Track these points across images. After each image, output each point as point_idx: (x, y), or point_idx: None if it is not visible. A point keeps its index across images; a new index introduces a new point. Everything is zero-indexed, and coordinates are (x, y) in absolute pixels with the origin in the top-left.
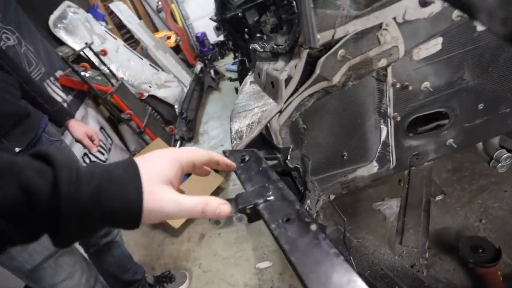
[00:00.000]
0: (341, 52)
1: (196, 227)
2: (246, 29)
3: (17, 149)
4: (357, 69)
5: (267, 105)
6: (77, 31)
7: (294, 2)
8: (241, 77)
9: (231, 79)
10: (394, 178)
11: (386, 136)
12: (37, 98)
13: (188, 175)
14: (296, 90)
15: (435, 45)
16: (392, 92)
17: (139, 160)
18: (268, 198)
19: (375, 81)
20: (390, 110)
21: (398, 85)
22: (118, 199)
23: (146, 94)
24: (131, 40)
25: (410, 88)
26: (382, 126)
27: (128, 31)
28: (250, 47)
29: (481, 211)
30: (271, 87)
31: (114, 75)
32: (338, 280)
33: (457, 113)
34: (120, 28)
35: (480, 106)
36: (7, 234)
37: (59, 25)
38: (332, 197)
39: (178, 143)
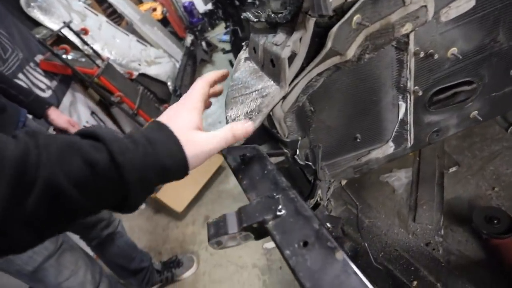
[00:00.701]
0: (356, 18)
1: (199, 209)
2: None
3: None
4: (375, 38)
5: (267, 89)
6: (53, 9)
7: None
8: (234, 48)
9: (224, 51)
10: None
11: (405, 113)
12: (8, 89)
13: None
14: (302, 69)
15: (468, 1)
16: (414, 62)
17: (163, 119)
18: (279, 213)
19: (394, 51)
20: (410, 84)
21: (422, 54)
22: (165, 157)
23: (136, 73)
24: (114, 15)
25: (436, 56)
26: (400, 102)
27: (110, 5)
28: (242, 17)
29: (493, 179)
30: (270, 66)
31: (99, 55)
32: None
33: (485, 81)
34: (101, 3)
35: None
36: (79, 204)
37: (32, 3)
38: (343, 182)
39: None
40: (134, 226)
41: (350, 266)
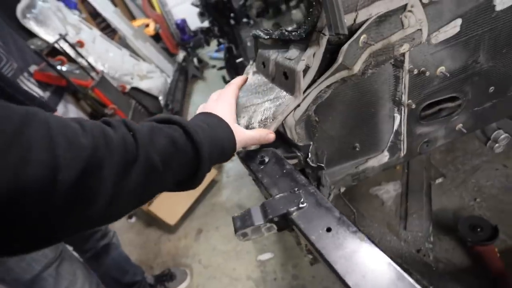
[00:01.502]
0: (363, 37)
1: (192, 223)
2: (232, 14)
3: None
4: (378, 55)
5: (281, 98)
6: (49, 21)
7: None
8: (228, 65)
9: (219, 68)
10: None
11: (399, 124)
12: (15, 94)
13: None
14: (314, 81)
15: (454, 27)
16: (408, 78)
17: (209, 109)
18: (301, 206)
19: (391, 67)
20: (405, 98)
21: (415, 71)
22: (224, 139)
23: (128, 87)
24: (107, 30)
25: (427, 73)
26: (395, 114)
27: (104, 19)
28: (251, 34)
29: (475, 190)
30: (283, 78)
31: (93, 68)
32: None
33: (469, 97)
34: (95, 17)
35: (491, 89)
36: (164, 176)
37: (28, 15)
38: (342, 189)
39: None
40: (125, 240)
41: (371, 245)
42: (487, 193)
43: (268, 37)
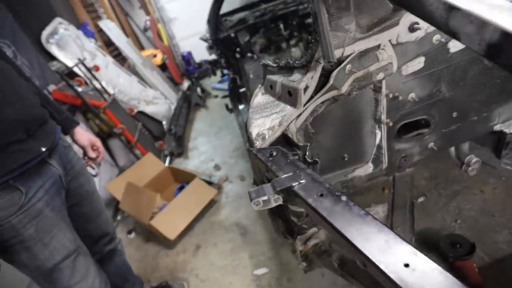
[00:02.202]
0: (348, 66)
1: (191, 239)
2: (238, 49)
3: (43, 149)
4: (360, 81)
5: (284, 111)
6: (68, 47)
7: (313, 25)
8: (232, 94)
9: (223, 96)
10: (379, 186)
11: (380, 139)
12: (46, 106)
13: (181, 188)
14: (311, 97)
15: (419, 63)
16: (386, 101)
17: None
18: (301, 181)
19: (372, 92)
20: (383, 117)
21: (390, 96)
22: None
23: (135, 110)
24: (119, 57)
25: (400, 98)
26: (377, 131)
27: (116, 48)
28: (261, 63)
29: (456, 213)
30: (288, 95)
31: (106, 91)
32: (369, 230)
33: (437, 120)
34: (109, 46)
35: (454, 114)
36: None
37: (51, 40)
38: None
39: (168, 158)
40: None
41: (351, 202)
42: (466, 215)
43: (276, 65)
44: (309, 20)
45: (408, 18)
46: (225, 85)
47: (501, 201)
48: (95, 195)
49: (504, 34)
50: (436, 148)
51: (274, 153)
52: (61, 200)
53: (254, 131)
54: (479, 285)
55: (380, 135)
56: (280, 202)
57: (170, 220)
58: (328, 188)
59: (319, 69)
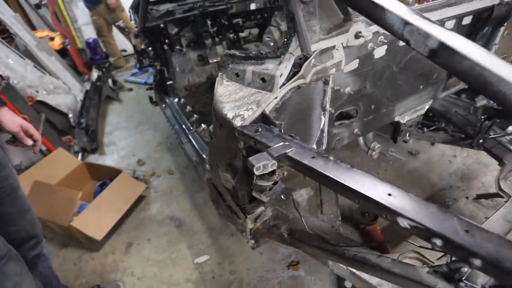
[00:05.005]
0: (313, 61)
1: (119, 237)
2: (167, 40)
3: None
4: (318, 73)
5: (260, 94)
6: None
7: (290, 24)
8: (158, 87)
9: (148, 88)
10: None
11: (323, 124)
12: None
13: (102, 185)
14: (283, 84)
15: (355, 63)
16: (331, 92)
17: None
18: (293, 149)
19: (322, 84)
20: (328, 105)
21: (335, 88)
22: None
23: (36, 99)
24: (3, 35)
25: (341, 90)
26: (321, 117)
27: (1, 23)
28: (224, 52)
29: None
30: (261, 82)
31: None
32: (357, 177)
33: (361, 110)
34: None
35: (372, 106)
36: None
37: None
38: (285, 173)
39: (80, 154)
40: None
41: (338, 160)
42: None
43: (244, 55)
44: (237, 20)
45: (355, 27)
46: (139, 78)
47: (391, 180)
48: (19, 191)
49: (441, 43)
50: (360, 133)
51: (260, 129)
52: None
53: (229, 113)
54: (382, 241)
55: (323, 121)
56: (275, 167)
57: (95, 220)
58: (317, 152)
59: (292, 61)
